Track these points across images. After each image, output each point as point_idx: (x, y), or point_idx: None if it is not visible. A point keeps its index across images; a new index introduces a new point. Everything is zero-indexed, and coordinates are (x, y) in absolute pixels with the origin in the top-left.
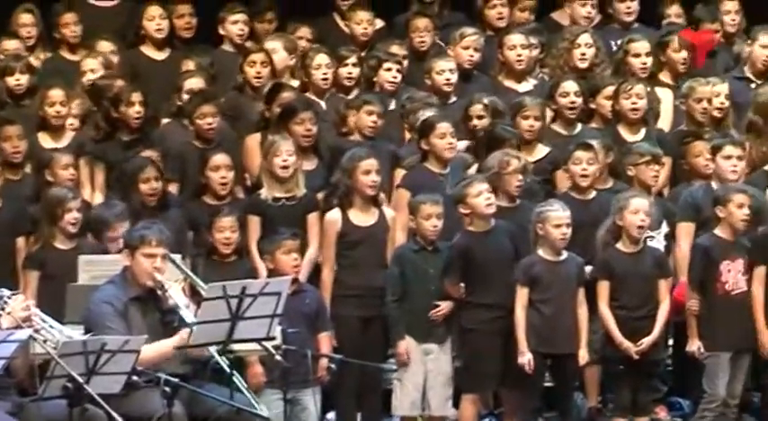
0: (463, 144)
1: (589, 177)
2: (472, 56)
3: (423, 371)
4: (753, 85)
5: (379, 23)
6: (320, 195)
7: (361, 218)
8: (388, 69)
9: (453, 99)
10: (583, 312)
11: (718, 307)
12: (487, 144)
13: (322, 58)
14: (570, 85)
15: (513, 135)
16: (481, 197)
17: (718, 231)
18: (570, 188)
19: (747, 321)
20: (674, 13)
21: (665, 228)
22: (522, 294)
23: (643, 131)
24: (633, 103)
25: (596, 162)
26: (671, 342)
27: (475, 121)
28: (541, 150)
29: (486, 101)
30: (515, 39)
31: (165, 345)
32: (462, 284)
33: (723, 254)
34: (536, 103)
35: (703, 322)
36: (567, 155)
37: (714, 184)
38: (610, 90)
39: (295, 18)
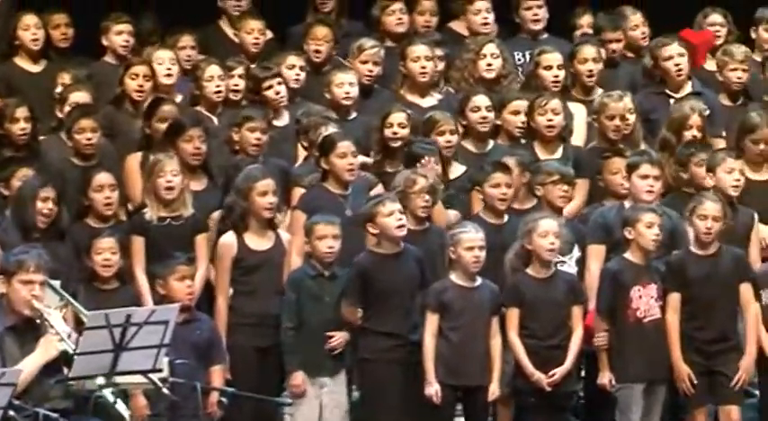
0: (362, 159)
1: (507, 201)
2: (371, 70)
3: (317, 405)
4: (672, 101)
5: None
6: (214, 217)
7: (258, 241)
8: (269, 86)
9: (354, 115)
10: (496, 343)
11: (630, 335)
12: (406, 161)
13: (214, 70)
14: (481, 99)
15: (431, 152)
16: (392, 217)
17: (628, 254)
18: (484, 210)
19: (661, 350)
20: (586, 23)
21: (576, 253)
22: (431, 321)
23: (560, 150)
24: (549, 120)
25: (513, 183)
26: (583, 373)
27: (396, 129)
28: (457, 169)
29: (408, 111)
30: (419, 50)
31: (36, 363)
32: (360, 310)
33: (634, 278)
34: (449, 117)
35: (614, 352)
36: (483, 175)
37: (627, 205)
38: (516, 104)
39: (178, 26)
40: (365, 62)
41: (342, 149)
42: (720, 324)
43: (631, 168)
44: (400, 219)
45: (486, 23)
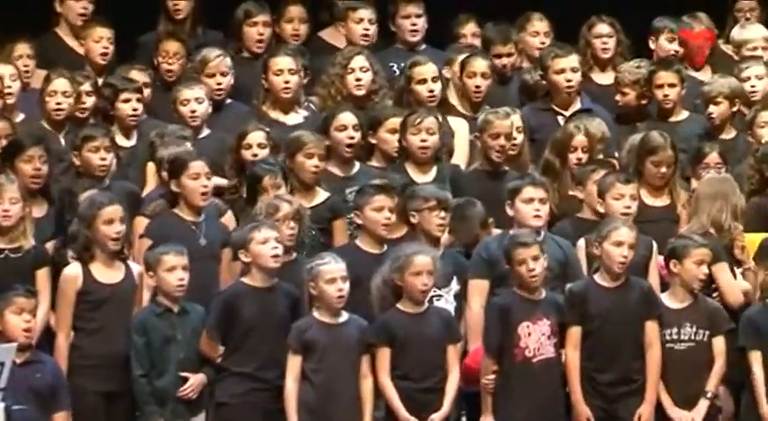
0: (217, 181)
1: (390, 227)
2: (220, 83)
3: None
4: (560, 118)
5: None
6: (49, 246)
7: (106, 274)
8: (127, 100)
9: (206, 132)
10: (367, 385)
11: (516, 377)
12: (248, 184)
13: (60, 84)
14: (348, 118)
15: (273, 172)
16: (267, 245)
17: (516, 288)
18: (362, 238)
19: (552, 393)
20: (469, 32)
21: (455, 286)
22: (293, 363)
23: (434, 171)
24: (423, 140)
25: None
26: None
27: (255, 150)
28: (320, 195)
29: (267, 129)
30: (282, 62)
31: None
32: (221, 347)
33: (522, 314)
34: (318, 138)
35: (499, 395)
36: (364, 198)
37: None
38: (393, 122)
39: (9, 34)
40: (211, 75)
41: (194, 169)
42: (624, 364)
43: (513, 193)
44: (276, 248)
45: (366, 35)
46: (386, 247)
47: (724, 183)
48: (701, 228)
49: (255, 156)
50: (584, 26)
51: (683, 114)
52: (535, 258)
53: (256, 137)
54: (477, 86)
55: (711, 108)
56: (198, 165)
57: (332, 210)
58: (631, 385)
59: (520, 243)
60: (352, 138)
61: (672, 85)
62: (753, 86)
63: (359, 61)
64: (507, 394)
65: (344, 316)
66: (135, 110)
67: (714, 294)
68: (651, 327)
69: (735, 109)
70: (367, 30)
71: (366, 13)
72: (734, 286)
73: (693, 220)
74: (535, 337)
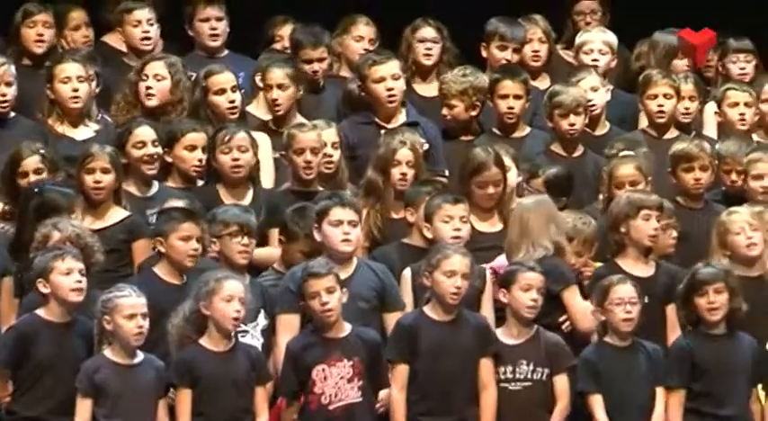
0: None
1: (197, 257)
2: (5, 94)
3: None
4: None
5: None
6: None
7: None
8: None
9: None
10: None
11: None
12: (36, 213)
13: None
14: (146, 132)
15: (68, 198)
16: (70, 277)
17: (312, 326)
18: (162, 266)
19: None
20: (285, 34)
21: (262, 321)
22: (83, 408)
23: (250, 194)
24: (234, 160)
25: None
26: None
27: (31, 178)
28: (116, 214)
29: (42, 150)
30: (69, 69)
31: None
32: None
33: (317, 356)
34: (107, 151)
35: None
36: (169, 224)
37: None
38: (191, 138)
39: None
40: None
41: None
42: (458, 406)
43: (321, 215)
44: (80, 282)
45: (146, 38)
46: (186, 278)
47: (549, 203)
48: (544, 252)
49: (30, 182)
50: (408, 28)
51: (526, 130)
52: (329, 291)
53: (31, 163)
54: (276, 100)
55: (573, 119)
56: None
57: (131, 231)
58: None
59: (311, 274)
60: (151, 155)
61: (517, 97)
62: (589, 100)
63: (155, 67)
64: None
65: (140, 356)
66: None
67: (565, 323)
68: (485, 366)
69: (586, 122)
70: (146, 32)
71: (142, 14)
72: (585, 310)
73: (528, 247)
74: (332, 382)
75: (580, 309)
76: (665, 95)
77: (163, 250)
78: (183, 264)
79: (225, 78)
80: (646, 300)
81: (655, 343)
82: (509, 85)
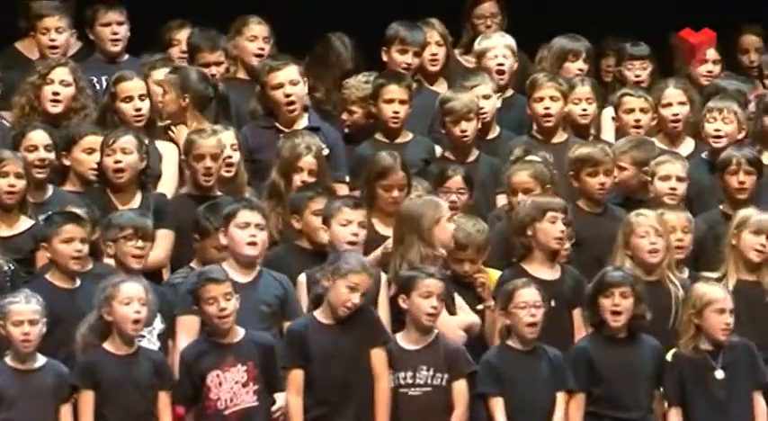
0: None
1: (82, 260)
2: None
3: None
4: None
5: None
6: None
7: None
8: None
9: None
10: None
11: None
12: None
13: None
14: (38, 136)
15: None
16: None
17: (207, 332)
18: (53, 272)
19: None
20: (182, 39)
21: (159, 324)
22: None
23: (137, 198)
24: (117, 162)
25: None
26: None
27: None
28: (23, 222)
29: None
30: None
31: None
32: None
33: (212, 362)
34: (19, 156)
35: None
36: (50, 228)
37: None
38: (89, 141)
39: None
40: None
41: None
42: (354, 411)
43: (228, 218)
44: None
45: (53, 47)
46: (79, 282)
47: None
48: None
49: None
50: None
51: (409, 136)
52: (227, 297)
53: None
54: (156, 104)
55: (465, 125)
56: None
57: (35, 238)
58: None
59: (210, 279)
60: (43, 160)
61: (402, 102)
62: (481, 108)
63: (60, 73)
64: None
65: (41, 361)
66: None
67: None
68: (377, 356)
69: (479, 127)
70: (53, 41)
71: (52, 22)
72: (448, 326)
73: (405, 250)
74: (227, 387)
75: (445, 325)
76: (551, 98)
77: (49, 255)
78: (69, 267)
79: (133, 85)
80: (552, 303)
81: (561, 346)
82: (394, 90)
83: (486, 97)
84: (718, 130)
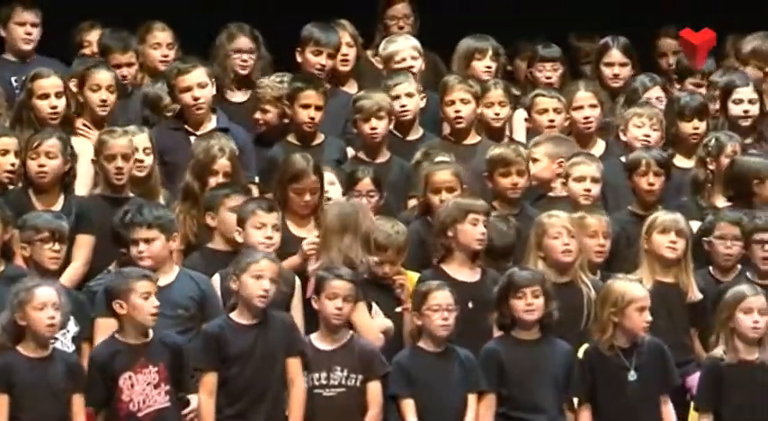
0: None
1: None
2: None
3: None
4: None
5: None
6: None
7: None
8: None
9: None
10: None
11: None
12: None
13: None
14: None
15: None
16: None
17: (120, 335)
18: None
19: None
20: (93, 40)
21: (73, 327)
22: None
23: (61, 200)
24: (41, 166)
25: None
26: None
27: None
28: None
29: None
30: None
31: None
32: None
33: (124, 364)
34: None
35: None
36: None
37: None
38: (2, 142)
39: None
40: None
41: None
42: (267, 411)
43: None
44: None
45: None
46: None
47: (352, 212)
48: (329, 263)
49: None
50: (223, 35)
51: (321, 137)
52: (146, 296)
53: None
54: (104, 100)
55: (375, 123)
56: None
57: None
58: None
59: (144, 275)
60: None
61: (318, 108)
62: (403, 105)
63: None
64: None
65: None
66: None
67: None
68: (292, 364)
69: (390, 126)
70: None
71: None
72: (369, 328)
73: (323, 255)
74: (139, 388)
75: (364, 327)
76: (461, 100)
77: None
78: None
79: (50, 83)
80: (470, 305)
81: (478, 348)
82: (312, 95)
83: (410, 95)
84: (647, 136)
